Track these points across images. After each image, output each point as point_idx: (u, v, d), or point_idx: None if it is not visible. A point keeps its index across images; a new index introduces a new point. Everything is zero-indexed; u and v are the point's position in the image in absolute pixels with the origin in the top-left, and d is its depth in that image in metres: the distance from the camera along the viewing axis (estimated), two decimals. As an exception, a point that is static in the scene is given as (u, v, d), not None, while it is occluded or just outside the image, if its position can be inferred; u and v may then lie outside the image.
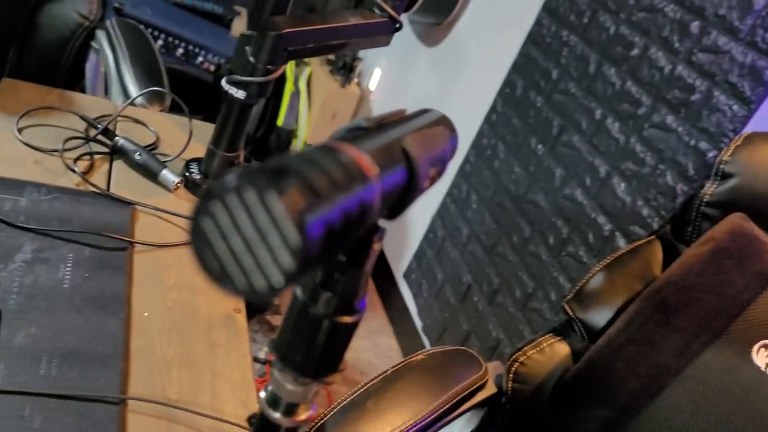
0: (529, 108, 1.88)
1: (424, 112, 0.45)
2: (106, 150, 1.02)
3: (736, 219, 0.85)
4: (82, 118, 1.05)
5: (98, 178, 0.97)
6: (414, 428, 0.85)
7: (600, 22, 1.67)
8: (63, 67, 1.26)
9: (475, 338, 1.96)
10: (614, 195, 1.55)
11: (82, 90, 1.31)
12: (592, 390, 0.85)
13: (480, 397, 0.94)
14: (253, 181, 0.27)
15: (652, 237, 0.96)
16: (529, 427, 0.95)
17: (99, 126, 1.04)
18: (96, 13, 1.26)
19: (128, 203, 0.94)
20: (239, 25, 2.39)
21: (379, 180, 0.32)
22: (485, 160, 2.04)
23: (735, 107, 1.31)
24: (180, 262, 0.90)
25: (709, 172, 0.90)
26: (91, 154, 1.00)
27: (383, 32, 1.10)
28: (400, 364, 0.94)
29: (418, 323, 2.24)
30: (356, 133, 0.37)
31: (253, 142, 2.58)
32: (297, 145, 2.68)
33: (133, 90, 1.27)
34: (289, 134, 2.68)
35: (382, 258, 2.50)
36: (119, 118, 1.09)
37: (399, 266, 2.42)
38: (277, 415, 0.46)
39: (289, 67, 2.64)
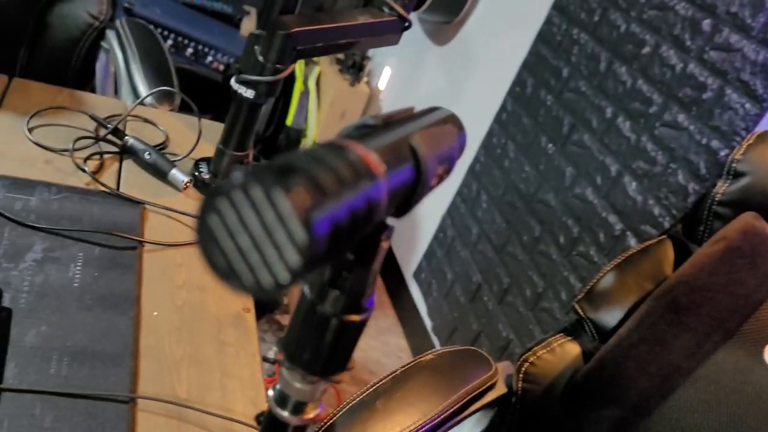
0: (540, 107, 1.87)
1: (433, 110, 0.45)
2: (115, 149, 1.02)
3: (749, 218, 0.84)
4: (92, 117, 1.05)
5: (108, 177, 0.98)
6: (423, 429, 0.84)
7: (611, 20, 1.67)
8: (73, 67, 1.26)
9: (485, 338, 1.95)
10: (625, 194, 1.54)
11: (92, 90, 1.32)
12: (602, 390, 0.84)
13: (490, 397, 0.93)
14: (260, 178, 0.27)
15: (664, 236, 0.95)
16: (539, 428, 0.94)
17: (109, 126, 1.04)
18: (106, 13, 1.26)
19: (138, 203, 0.94)
20: (248, 25, 2.40)
21: (386, 177, 0.32)
22: (495, 160, 2.03)
23: (747, 105, 1.30)
24: (189, 261, 0.90)
25: (721, 171, 0.89)
26: (101, 153, 1.00)
27: (392, 31, 1.09)
28: (409, 363, 0.94)
29: (428, 323, 2.24)
30: (364, 131, 0.37)
31: (262, 142, 2.59)
32: (306, 144, 2.69)
33: (143, 90, 1.27)
34: (299, 134, 2.68)
35: (391, 257, 2.50)
36: (129, 118, 1.10)
37: (409, 266, 2.42)
38: (285, 414, 0.46)
39: (299, 67, 2.64)
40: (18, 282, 0.77)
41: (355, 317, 0.41)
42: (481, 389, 0.91)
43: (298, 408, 0.46)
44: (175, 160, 1.03)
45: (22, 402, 0.65)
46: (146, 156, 1.02)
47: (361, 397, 0.89)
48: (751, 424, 0.75)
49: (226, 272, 0.29)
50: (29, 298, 0.76)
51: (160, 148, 1.06)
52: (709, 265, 0.82)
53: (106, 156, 1.01)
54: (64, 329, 0.74)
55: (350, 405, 0.89)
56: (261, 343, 0.85)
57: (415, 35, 2.60)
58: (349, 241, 0.30)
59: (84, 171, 0.96)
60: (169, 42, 2.23)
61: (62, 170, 0.95)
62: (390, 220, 0.39)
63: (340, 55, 2.74)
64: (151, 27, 1.56)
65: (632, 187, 1.53)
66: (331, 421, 0.87)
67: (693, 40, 1.43)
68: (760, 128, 1.18)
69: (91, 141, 1.01)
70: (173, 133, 1.12)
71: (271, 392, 0.47)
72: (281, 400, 0.46)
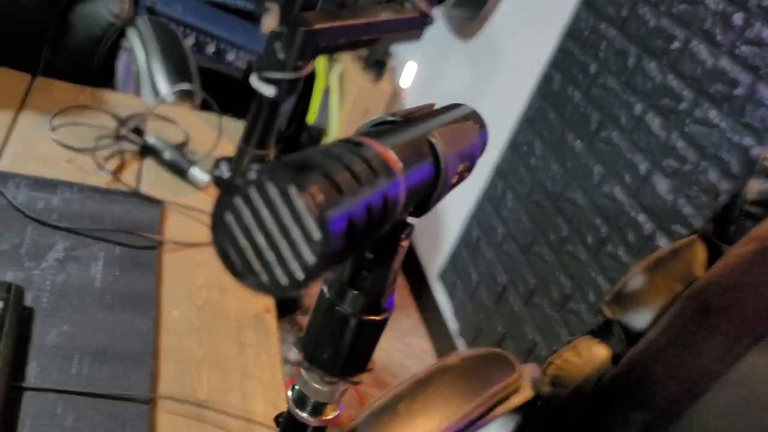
0: (567, 103, 1.84)
1: (454, 106, 0.44)
2: (136, 148, 1.02)
3: (782, 218, 0.82)
4: (114, 116, 1.05)
5: (129, 176, 0.97)
6: (447, 432, 0.83)
7: (640, 15, 1.64)
8: (95, 66, 1.27)
9: (510, 340, 1.93)
10: (655, 193, 1.52)
11: (114, 88, 1.32)
12: (630, 394, 0.83)
13: (515, 400, 0.92)
14: (275, 176, 0.27)
15: (694, 236, 0.93)
16: (565, 432, 0.93)
17: (130, 125, 1.04)
18: (127, 12, 1.27)
19: (158, 202, 0.94)
20: (270, 21, 2.39)
21: (404, 175, 0.32)
22: (521, 158, 2.01)
23: (781, 101, 1.27)
24: (209, 261, 0.89)
25: (753, 169, 0.87)
26: (121, 152, 1.00)
27: (414, 27, 1.08)
28: (432, 366, 0.93)
29: (452, 324, 2.22)
30: (382, 128, 0.36)
31: (284, 140, 2.59)
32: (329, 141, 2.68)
33: (164, 88, 1.27)
34: (321, 132, 2.68)
35: (415, 258, 2.49)
36: (150, 117, 1.10)
37: (432, 266, 2.40)
38: (304, 415, 0.46)
39: (321, 64, 2.64)
40: (40, 281, 0.77)
41: (374, 317, 0.41)
42: (506, 392, 0.90)
43: (317, 409, 0.46)
44: (195, 159, 1.03)
45: (44, 401, 0.66)
46: (167, 155, 1.02)
47: (383, 399, 0.89)
48: (784, 430, 0.73)
49: (242, 270, 0.29)
50: (51, 298, 0.76)
51: (181, 147, 1.05)
52: (740, 266, 0.80)
53: (126, 155, 1.01)
54: (85, 329, 0.74)
55: (372, 407, 0.88)
56: (281, 345, 0.84)
57: (439, 31, 2.58)
58: (366, 239, 0.30)
59: (105, 170, 0.96)
60: (191, 40, 2.24)
61: (84, 169, 0.95)
62: (412, 220, 0.39)
63: (363, 52, 2.73)
64: (173, 26, 1.56)
65: (662, 186, 1.50)
66: (354, 424, 0.87)
67: (724, 34, 1.40)
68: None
69: (113, 140, 1.01)
70: (194, 132, 1.11)
71: (290, 393, 0.47)
72: (300, 401, 0.46)
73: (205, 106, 1.26)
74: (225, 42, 2.29)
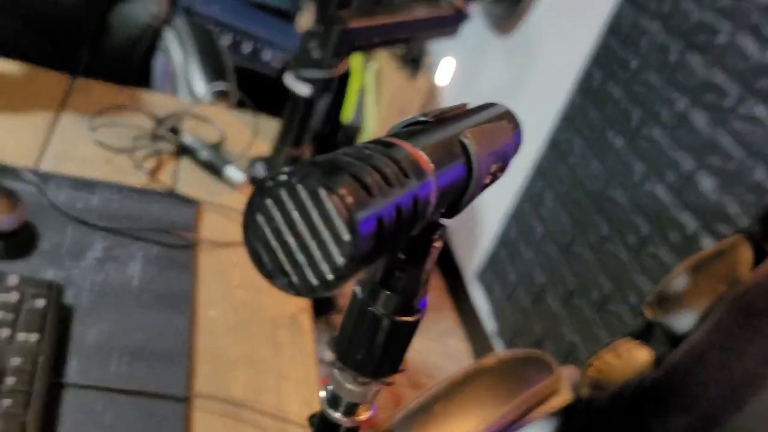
0: (607, 100, 1.81)
1: (488, 106, 0.43)
2: (173, 148, 1.03)
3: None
4: (151, 117, 1.06)
5: (166, 176, 0.98)
6: (483, 434, 0.82)
7: (682, 9, 1.60)
8: (133, 67, 1.28)
9: (548, 342, 1.91)
10: (698, 191, 1.48)
11: (151, 88, 1.34)
12: (672, 397, 0.81)
13: (553, 403, 0.90)
14: (305, 178, 0.27)
15: (740, 236, 0.91)
16: (605, 435, 0.91)
17: (167, 125, 1.05)
18: (165, 12, 1.28)
19: (194, 202, 0.95)
20: (305, 20, 2.39)
21: (435, 176, 0.32)
22: (560, 156, 1.98)
23: (832, 96, 1.22)
24: (245, 261, 0.89)
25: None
26: (159, 152, 1.01)
27: (450, 24, 1.07)
28: (469, 367, 0.93)
29: (490, 325, 2.20)
30: (414, 128, 0.36)
31: (319, 139, 2.59)
32: (365, 140, 2.68)
33: (201, 88, 1.28)
34: (357, 131, 2.68)
35: (451, 258, 2.48)
36: (186, 116, 1.11)
37: (470, 267, 2.39)
38: (337, 415, 0.46)
39: (356, 62, 2.64)
40: (80, 280, 0.78)
41: (407, 318, 0.41)
42: (544, 395, 0.89)
43: (350, 409, 0.46)
44: (231, 159, 1.04)
45: (83, 398, 0.67)
46: (203, 154, 1.02)
47: (419, 400, 0.89)
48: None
49: (272, 271, 0.29)
50: (90, 296, 0.77)
51: (217, 146, 1.06)
52: (787, 268, 0.78)
53: (163, 155, 1.02)
54: (123, 327, 0.75)
55: (408, 409, 0.88)
56: (317, 345, 0.84)
57: (476, 26, 2.56)
58: (396, 240, 0.30)
59: (142, 170, 0.97)
60: (228, 40, 2.25)
61: (122, 169, 0.96)
62: (448, 220, 0.39)
63: (398, 50, 2.71)
64: (210, 25, 1.58)
65: (706, 184, 1.46)
66: (389, 424, 0.86)
67: (772, 28, 1.36)
68: None
69: (150, 140, 1.02)
70: (230, 131, 1.12)
71: (323, 393, 0.47)
72: (333, 401, 0.46)
73: (241, 106, 1.27)
74: (261, 41, 2.31)
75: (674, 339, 0.87)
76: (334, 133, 2.64)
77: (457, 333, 2.31)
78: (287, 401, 0.75)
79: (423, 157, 0.32)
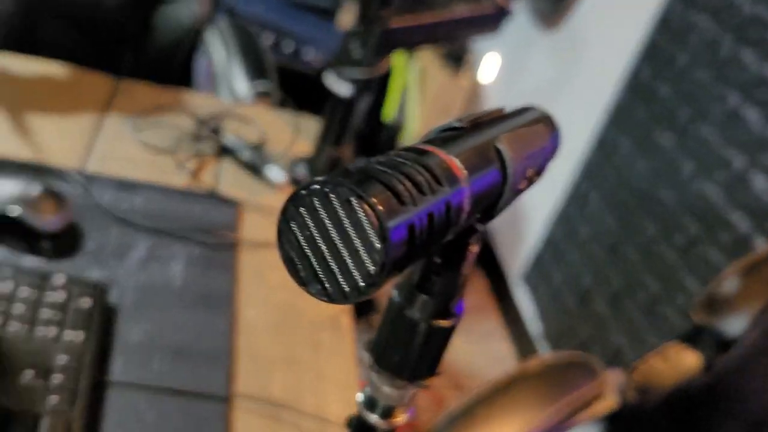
0: (655, 97, 1.78)
1: (525, 110, 0.43)
2: (215, 148, 1.04)
3: None
4: (193, 117, 1.08)
5: (207, 176, 0.99)
6: (526, 438, 0.82)
7: (734, 3, 1.56)
8: (175, 68, 1.30)
9: (594, 345, 1.88)
10: (751, 191, 1.44)
11: (193, 89, 1.36)
12: (720, 403, 0.79)
13: (598, 407, 0.89)
14: (338, 186, 0.28)
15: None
16: (651, 442, 0.89)
17: (209, 125, 1.07)
18: (208, 13, 1.30)
19: (235, 202, 0.96)
20: (346, 18, 2.40)
21: (468, 183, 0.32)
22: (606, 155, 1.95)
23: None
24: (286, 261, 0.90)
25: None
26: (200, 153, 1.03)
27: (492, 21, 1.06)
28: (513, 371, 0.92)
29: (534, 328, 2.18)
30: (448, 134, 0.36)
31: (361, 139, 2.59)
32: (407, 140, 2.67)
33: (242, 88, 1.29)
34: (399, 130, 2.67)
35: (494, 260, 2.46)
36: (228, 117, 1.12)
37: (514, 268, 2.36)
38: (374, 418, 0.46)
39: (399, 60, 2.63)
40: (124, 280, 0.79)
41: (444, 322, 0.41)
42: (588, 398, 0.87)
43: (387, 412, 0.46)
44: (273, 159, 1.04)
45: (127, 397, 0.68)
46: (244, 154, 1.03)
47: (462, 403, 0.88)
48: None
49: (306, 278, 0.30)
50: (134, 296, 0.78)
51: (259, 146, 1.07)
52: None
53: (205, 155, 1.03)
54: (166, 327, 0.76)
55: (451, 411, 0.88)
56: (358, 346, 0.84)
57: (521, 22, 2.53)
58: (428, 246, 0.30)
59: (185, 171, 0.98)
60: (270, 39, 2.27)
61: (164, 170, 0.97)
62: (488, 222, 0.39)
63: (441, 47, 2.70)
64: (252, 26, 1.59)
65: (759, 183, 1.42)
66: (432, 426, 0.86)
67: (829, 21, 1.31)
68: None
69: (192, 140, 1.04)
70: (272, 131, 1.13)
71: (360, 396, 0.47)
72: (370, 404, 0.46)
73: (282, 105, 1.27)
74: (303, 40, 2.32)
75: (724, 343, 0.85)
76: (376, 133, 2.64)
77: (500, 335, 2.29)
78: (327, 402, 0.75)
79: (456, 164, 0.32)
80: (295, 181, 1.04)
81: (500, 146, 0.36)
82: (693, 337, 0.90)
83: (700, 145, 1.60)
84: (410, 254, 0.29)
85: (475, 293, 2.41)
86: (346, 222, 0.28)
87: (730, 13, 1.57)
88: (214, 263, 0.85)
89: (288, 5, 2.43)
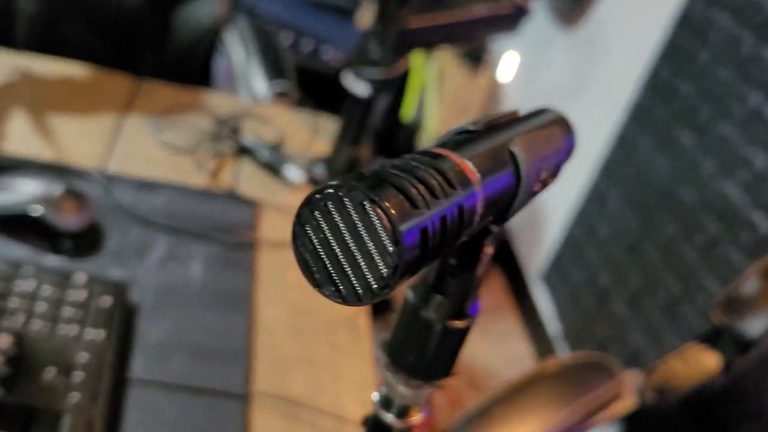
0: (676, 95, 1.76)
1: (540, 112, 0.44)
2: (234, 148, 1.05)
3: None
4: (212, 117, 1.09)
5: (226, 176, 1.00)
6: (543, 438, 0.82)
7: (755, 1, 1.54)
8: (195, 68, 1.31)
9: (613, 345, 1.87)
10: (772, 190, 1.43)
11: (213, 89, 1.36)
12: (740, 405, 0.78)
13: (616, 408, 0.89)
14: (352, 190, 0.28)
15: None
16: (670, 443, 0.89)
17: (228, 125, 1.07)
18: (227, 13, 1.30)
19: (253, 202, 0.96)
20: (365, 18, 2.39)
21: (481, 186, 0.33)
22: (626, 153, 1.93)
23: None
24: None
25: None
26: (220, 153, 1.03)
27: (510, 20, 1.06)
28: (530, 371, 0.92)
29: (552, 328, 2.17)
30: (462, 137, 0.37)
31: (379, 138, 2.59)
32: (425, 139, 2.66)
33: (261, 88, 1.30)
34: (417, 129, 2.67)
35: (513, 259, 2.45)
36: (247, 116, 1.12)
37: (533, 268, 2.35)
38: (389, 417, 0.47)
39: (417, 60, 2.63)
40: (144, 279, 0.80)
41: (459, 323, 0.41)
42: (604, 399, 0.87)
43: (403, 412, 0.47)
44: (291, 158, 1.05)
45: (147, 395, 0.69)
46: (263, 154, 1.04)
47: (479, 403, 0.88)
48: None
49: (320, 281, 0.30)
50: (154, 295, 0.79)
51: (277, 146, 1.07)
52: None
53: (224, 155, 1.03)
54: (185, 326, 0.77)
55: (468, 411, 0.88)
56: (375, 345, 0.84)
57: (540, 20, 2.52)
58: (441, 249, 0.31)
59: (204, 171, 0.99)
60: (290, 39, 2.28)
61: (184, 169, 0.98)
62: (506, 223, 0.39)
63: (459, 47, 2.69)
64: (272, 25, 1.60)
65: (781, 183, 1.41)
66: (449, 426, 0.86)
67: None
68: None
69: (211, 140, 1.05)
70: (290, 131, 1.13)
71: (375, 395, 0.48)
72: (386, 403, 0.47)
73: (301, 105, 1.28)
74: (322, 40, 2.33)
75: (743, 344, 0.84)
76: (395, 132, 2.64)
77: (518, 335, 2.28)
78: (344, 401, 0.75)
79: (470, 168, 0.33)
80: (313, 181, 1.05)
81: (514, 149, 0.36)
82: (712, 337, 0.89)
83: (721, 143, 1.58)
84: (423, 257, 0.29)
85: (494, 292, 2.40)
86: (360, 225, 0.28)
87: (751, 11, 1.55)
88: (233, 263, 0.86)
89: (307, 4, 2.44)
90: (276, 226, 0.94)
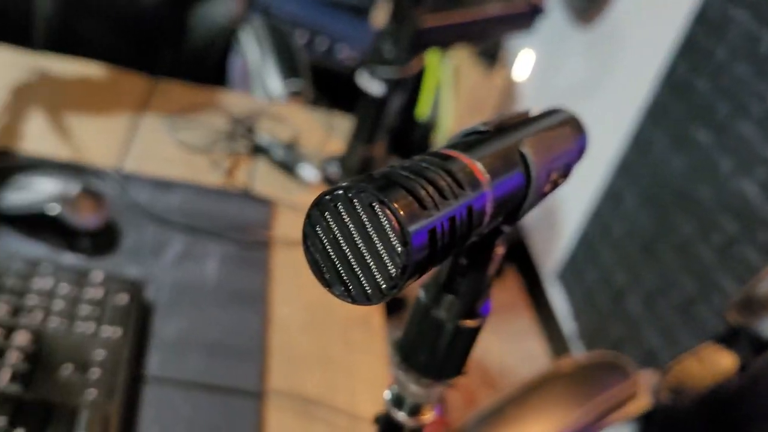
0: (692, 93, 1.74)
1: (551, 112, 0.44)
2: (249, 147, 1.05)
3: None
4: (228, 116, 1.09)
5: (241, 175, 1.01)
6: (556, 438, 0.81)
7: (774, -2, 1.53)
8: (211, 67, 1.32)
9: (628, 345, 1.86)
10: (790, 189, 1.41)
11: (228, 88, 1.37)
12: (756, 406, 0.78)
13: (630, 408, 0.88)
14: (361, 191, 0.28)
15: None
16: (685, 444, 0.88)
17: (243, 124, 1.08)
18: (243, 12, 1.31)
19: (268, 201, 0.97)
20: (380, 17, 2.39)
21: (491, 187, 0.33)
22: (642, 152, 1.92)
23: None
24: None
25: None
26: (235, 152, 1.04)
27: (525, 19, 1.06)
28: (544, 371, 0.92)
29: (567, 327, 2.16)
30: (472, 138, 0.37)
31: (395, 137, 2.59)
32: (440, 138, 2.66)
33: (276, 87, 1.30)
34: (433, 128, 2.67)
35: (529, 259, 2.44)
36: (262, 116, 1.13)
37: (548, 266, 2.35)
38: (401, 415, 0.47)
39: (432, 58, 2.63)
40: (160, 277, 0.81)
41: (470, 322, 0.42)
42: (618, 399, 0.87)
43: (414, 410, 0.47)
44: (305, 157, 1.05)
45: (163, 392, 0.69)
46: (277, 153, 1.04)
47: (492, 402, 0.88)
48: None
49: (330, 280, 0.31)
50: (170, 293, 0.79)
51: (292, 145, 1.08)
52: None
53: (239, 154, 1.04)
54: (201, 324, 0.77)
55: (481, 410, 0.88)
56: (389, 344, 0.85)
57: (555, 18, 2.50)
58: (450, 249, 0.31)
59: (219, 170, 1.00)
60: (305, 38, 2.28)
61: (200, 169, 0.99)
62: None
63: (474, 45, 2.68)
64: (287, 24, 1.60)
65: (799, 181, 1.39)
66: (462, 425, 0.86)
67: None
68: None
69: (227, 140, 1.05)
70: (305, 130, 1.14)
71: (387, 394, 0.48)
72: (397, 401, 0.47)
73: (316, 104, 1.28)
74: (337, 38, 2.33)
75: (760, 345, 0.83)
76: (410, 131, 2.64)
77: (533, 333, 2.28)
78: (358, 399, 0.76)
79: (479, 169, 0.33)
80: (327, 180, 1.05)
81: (524, 150, 0.36)
82: (728, 338, 0.88)
83: (739, 141, 1.56)
84: (432, 257, 0.29)
85: (509, 291, 2.40)
86: (369, 226, 0.29)
87: (770, 8, 1.54)
88: (248, 261, 0.87)
89: (322, 3, 2.44)
90: (291, 225, 0.94)
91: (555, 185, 0.39)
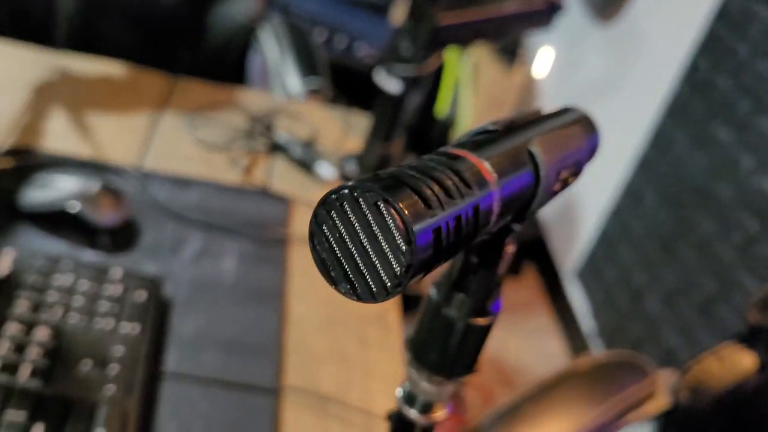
0: (714, 90, 1.72)
1: (562, 111, 0.44)
2: (267, 145, 1.06)
3: None
4: (246, 114, 1.10)
5: (259, 173, 1.01)
6: (573, 437, 0.81)
7: (798, -7, 1.50)
8: (230, 65, 1.33)
9: (647, 344, 1.84)
10: (814, 187, 1.39)
11: (247, 86, 1.38)
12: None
13: (649, 407, 0.88)
14: (367, 191, 0.29)
15: None
16: (703, 444, 0.87)
17: (261, 122, 1.08)
18: (262, 10, 1.32)
19: (287, 199, 0.97)
20: (399, 14, 2.38)
21: (498, 186, 0.33)
22: (662, 149, 1.90)
23: None
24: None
25: None
26: (253, 150, 1.05)
27: (543, 17, 1.05)
28: (561, 369, 0.91)
29: (586, 326, 2.15)
30: (481, 137, 0.37)
31: (413, 134, 2.58)
32: (459, 135, 2.65)
33: (294, 85, 1.31)
34: (451, 125, 2.66)
35: (549, 257, 2.43)
36: (280, 113, 1.13)
37: (567, 265, 2.33)
38: (413, 413, 0.47)
39: (451, 55, 2.62)
40: (178, 274, 0.82)
41: (481, 321, 0.42)
42: (636, 398, 0.86)
43: (426, 408, 0.47)
44: (323, 155, 1.05)
45: (181, 388, 0.70)
46: (295, 151, 1.05)
47: (509, 400, 0.88)
48: None
49: (336, 279, 0.31)
50: (188, 290, 0.80)
51: (310, 143, 1.08)
52: None
53: (258, 152, 1.05)
54: (218, 321, 0.78)
55: (498, 408, 0.87)
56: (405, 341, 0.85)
57: (575, 15, 2.49)
58: (456, 248, 0.31)
59: (237, 168, 1.01)
60: (323, 35, 2.28)
61: (218, 166, 1.00)
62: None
63: (493, 42, 2.66)
64: (306, 23, 1.60)
65: (823, 179, 1.37)
66: (478, 423, 0.86)
67: None
68: None
69: (245, 138, 1.06)
70: (323, 128, 1.14)
71: (399, 391, 0.48)
72: (409, 399, 0.48)
73: (334, 102, 1.29)
74: (356, 36, 2.33)
75: (780, 345, 0.82)
76: (429, 128, 2.63)
77: (552, 332, 2.27)
78: (374, 397, 0.76)
79: (486, 168, 0.33)
80: (345, 178, 1.06)
81: (533, 149, 0.36)
82: (749, 337, 0.87)
83: (760, 139, 1.54)
84: (437, 256, 0.30)
85: (528, 289, 2.39)
86: (375, 225, 0.29)
87: (794, 3, 1.51)
88: (266, 258, 0.87)
89: (341, 1, 2.44)
90: (308, 223, 0.94)
91: (565, 184, 0.39)
